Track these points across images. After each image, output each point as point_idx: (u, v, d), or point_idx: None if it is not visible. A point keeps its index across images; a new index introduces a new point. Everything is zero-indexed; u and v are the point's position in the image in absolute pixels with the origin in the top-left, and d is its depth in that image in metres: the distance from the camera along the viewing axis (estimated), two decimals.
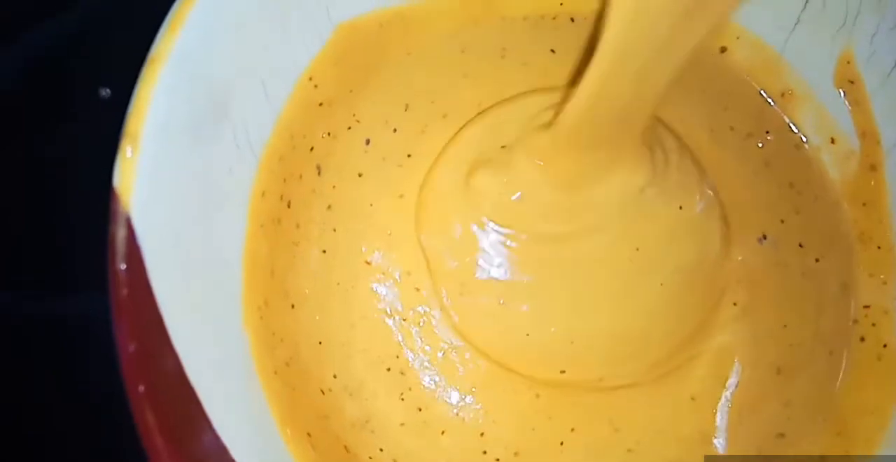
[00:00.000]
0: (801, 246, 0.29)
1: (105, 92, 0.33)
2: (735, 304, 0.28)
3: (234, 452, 0.21)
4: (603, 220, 0.27)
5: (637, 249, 0.27)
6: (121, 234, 0.20)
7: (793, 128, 0.30)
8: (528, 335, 0.27)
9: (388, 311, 0.28)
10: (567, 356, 0.27)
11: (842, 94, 0.29)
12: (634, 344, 0.28)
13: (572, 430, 0.28)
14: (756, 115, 0.30)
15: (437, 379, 0.28)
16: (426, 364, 0.28)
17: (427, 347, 0.28)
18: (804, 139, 0.30)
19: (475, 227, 0.27)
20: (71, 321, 0.31)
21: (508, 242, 0.27)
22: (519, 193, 0.27)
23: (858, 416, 0.27)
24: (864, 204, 0.29)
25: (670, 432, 0.28)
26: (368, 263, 0.28)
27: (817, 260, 0.29)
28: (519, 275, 0.27)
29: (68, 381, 0.31)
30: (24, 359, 0.31)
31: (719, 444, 0.27)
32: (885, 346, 0.28)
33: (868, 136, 0.29)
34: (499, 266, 0.27)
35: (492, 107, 0.29)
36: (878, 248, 0.29)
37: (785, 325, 0.28)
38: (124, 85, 0.21)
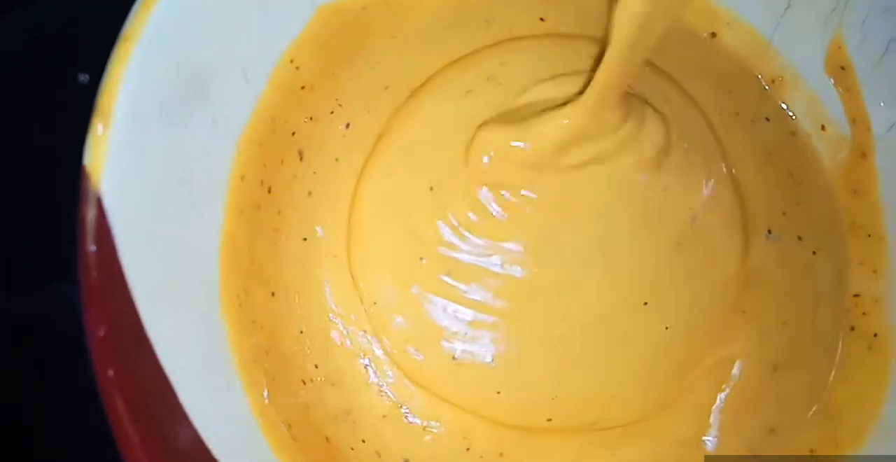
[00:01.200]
0: (800, 239, 0.28)
1: (84, 77, 0.32)
2: (744, 311, 0.28)
3: (208, 441, 0.20)
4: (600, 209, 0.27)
5: (636, 281, 0.27)
6: (91, 214, 0.19)
7: (790, 114, 0.30)
8: (498, 393, 0.27)
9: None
10: (552, 407, 0.27)
11: (832, 80, 0.29)
12: (635, 387, 0.27)
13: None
14: (756, 100, 0.30)
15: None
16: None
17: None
18: (799, 126, 0.30)
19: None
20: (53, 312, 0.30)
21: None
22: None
23: (848, 407, 0.27)
24: (854, 191, 0.29)
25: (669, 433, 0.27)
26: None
27: (814, 253, 0.28)
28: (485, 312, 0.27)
29: (48, 375, 0.30)
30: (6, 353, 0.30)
31: (710, 442, 0.27)
32: (875, 335, 0.27)
33: (859, 122, 0.28)
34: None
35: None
36: (869, 236, 0.28)
37: (784, 323, 0.28)
38: (103, 70, 0.21)
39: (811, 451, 0.27)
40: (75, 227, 0.19)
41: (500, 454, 0.27)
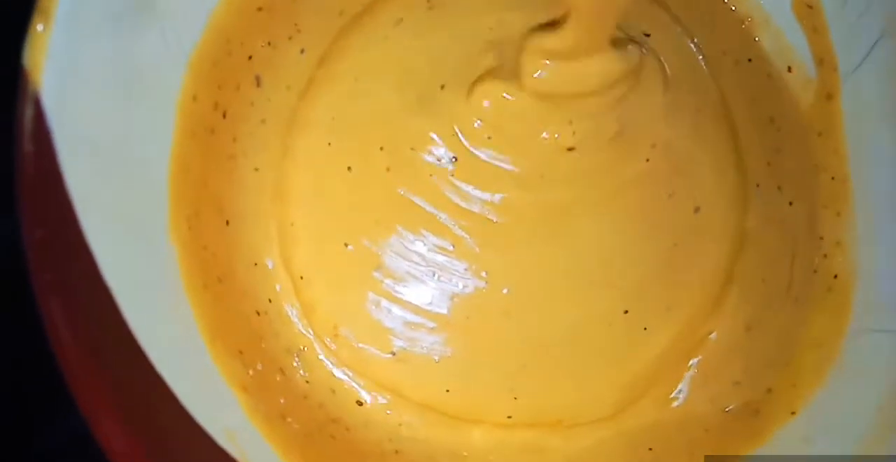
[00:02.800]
0: (779, 189, 0.28)
1: None
2: (731, 282, 0.28)
3: (152, 356, 0.20)
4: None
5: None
6: (28, 113, 0.18)
7: (770, 55, 0.29)
8: (448, 391, 0.26)
9: None
10: (512, 407, 0.26)
11: (799, 20, 0.28)
12: (606, 386, 0.27)
13: None
14: (738, 40, 0.29)
15: None
16: None
17: None
18: (774, 68, 0.29)
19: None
20: None
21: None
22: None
23: (807, 349, 0.27)
24: (819, 134, 0.28)
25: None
26: None
27: (791, 203, 0.28)
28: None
29: None
30: None
31: (676, 402, 0.27)
32: (835, 276, 0.27)
33: (826, 63, 0.28)
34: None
35: None
36: (833, 179, 0.28)
37: (763, 280, 0.28)
38: None
39: (768, 390, 0.26)
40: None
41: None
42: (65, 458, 0.28)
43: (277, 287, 0.27)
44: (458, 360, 0.26)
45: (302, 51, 0.28)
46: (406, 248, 0.26)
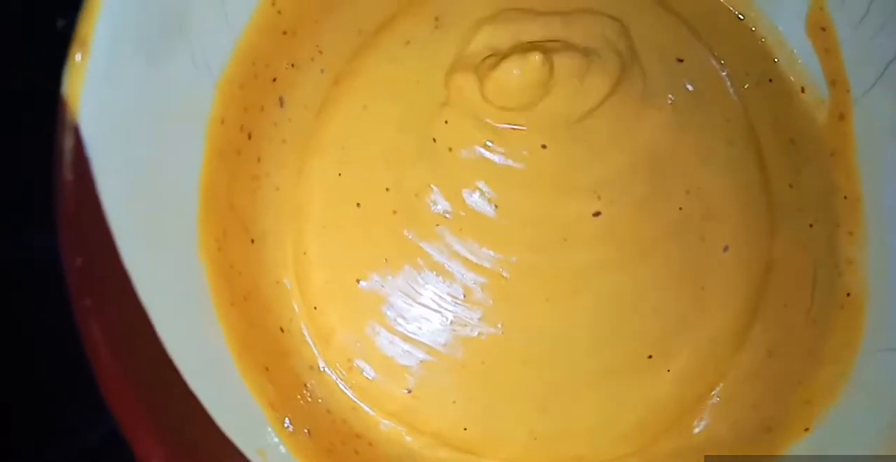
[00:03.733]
0: (801, 211, 0.28)
1: (61, 22, 0.31)
2: (755, 312, 0.28)
3: (185, 375, 0.20)
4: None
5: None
6: (68, 143, 0.19)
7: (798, 75, 0.29)
8: (465, 429, 0.27)
9: None
10: (532, 444, 0.27)
11: (813, 41, 0.28)
12: (628, 426, 0.27)
13: None
14: (759, 60, 0.29)
15: None
16: None
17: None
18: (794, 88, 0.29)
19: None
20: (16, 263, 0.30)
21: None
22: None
23: (821, 366, 0.27)
24: (832, 153, 0.29)
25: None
26: None
27: (811, 225, 0.28)
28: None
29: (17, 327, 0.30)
30: None
31: (697, 428, 0.27)
32: (848, 294, 0.27)
33: (838, 84, 0.28)
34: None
35: None
36: (845, 198, 0.28)
37: (786, 305, 0.28)
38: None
39: (784, 408, 0.27)
40: (39, 179, 0.19)
41: None
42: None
43: (295, 307, 0.27)
44: (475, 401, 0.27)
45: (322, 71, 0.28)
46: (415, 290, 0.27)
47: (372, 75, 0.28)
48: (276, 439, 0.24)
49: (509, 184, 0.27)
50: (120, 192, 0.20)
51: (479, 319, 0.27)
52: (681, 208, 0.27)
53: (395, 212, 0.27)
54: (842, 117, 0.28)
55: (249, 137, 0.26)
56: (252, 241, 0.27)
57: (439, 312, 0.27)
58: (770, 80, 0.29)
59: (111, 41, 0.20)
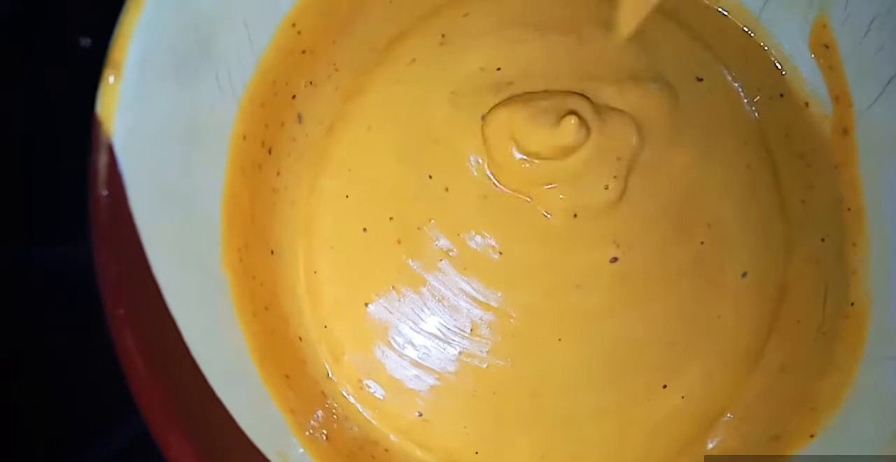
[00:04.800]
0: (813, 226, 0.28)
1: (86, 41, 0.32)
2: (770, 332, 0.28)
3: (213, 383, 0.21)
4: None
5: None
6: (103, 160, 0.20)
7: (803, 91, 0.29)
8: (477, 453, 0.27)
9: None
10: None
11: (817, 58, 0.29)
12: (641, 449, 0.27)
13: None
14: (768, 75, 0.29)
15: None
16: None
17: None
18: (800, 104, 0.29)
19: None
20: (50, 273, 0.31)
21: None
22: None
23: (826, 374, 0.27)
24: (835, 167, 0.29)
25: None
26: None
27: (823, 240, 0.28)
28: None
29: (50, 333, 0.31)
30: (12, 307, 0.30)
31: (711, 445, 0.28)
32: (851, 304, 0.28)
33: (841, 99, 0.29)
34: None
35: None
36: (849, 210, 0.29)
37: (798, 321, 0.28)
38: (105, 35, 0.21)
39: (791, 416, 0.27)
40: (64, 191, 0.20)
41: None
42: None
43: (309, 322, 0.28)
44: (486, 428, 0.27)
45: (336, 88, 0.29)
46: (422, 319, 0.27)
47: (377, 95, 0.29)
48: (296, 443, 0.25)
49: (513, 234, 0.27)
50: (150, 206, 0.21)
51: (488, 352, 0.27)
52: (702, 242, 0.27)
53: (399, 241, 0.27)
54: (845, 132, 0.29)
55: (270, 152, 0.27)
56: (272, 252, 0.27)
57: (447, 343, 0.27)
58: (781, 96, 0.29)
59: (142, 64, 0.21)
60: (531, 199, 0.27)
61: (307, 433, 0.25)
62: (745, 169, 0.28)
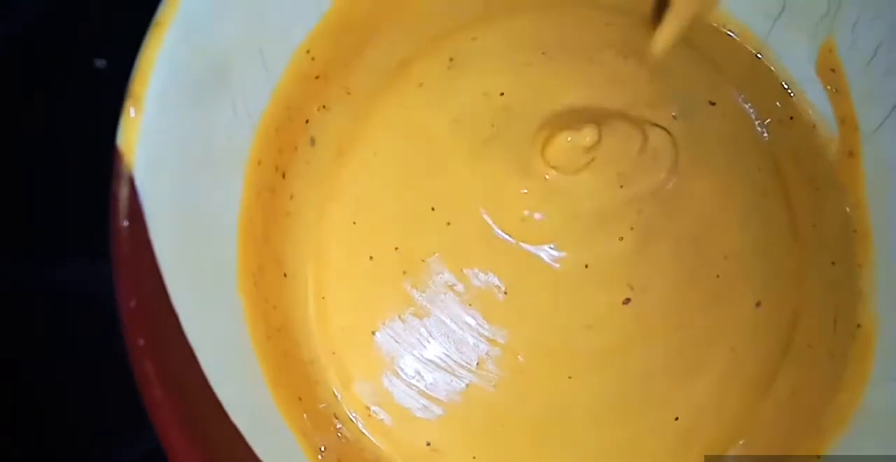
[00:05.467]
0: (824, 250, 0.28)
1: (100, 63, 0.33)
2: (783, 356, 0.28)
3: (228, 409, 0.22)
4: None
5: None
6: (123, 192, 0.20)
7: (809, 114, 0.29)
8: (474, 458, 0.27)
9: None
10: None
11: (823, 81, 0.29)
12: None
13: None
14: (778, 98, 0.30)
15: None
16: None
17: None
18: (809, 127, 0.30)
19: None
20: (67, 288, 0.31)
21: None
22: None
23: (833, 394, 0.27)
24: (842, 189, 0.29)
25: None
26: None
27: (833, 263, 0.28)
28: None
29: (66, 347, 0.31)
30: (22, 326, 0.31)
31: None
32: (858, 326, 0.28)
33: (847, 122, 0.29)
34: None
35: None
36: (854, 231, 0.29)
37: (809, 346, 0.28)
38: (119, 56, 0.22)
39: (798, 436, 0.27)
40: (77, 209, 0.20)
41: None
42: None
43: (318, 347, 0.28)
44: (497, 458, 0.27)
45: (348, 111, 0.29)
46: (429, 350, 0.27)
47: (383, 119, 0.29)
48: None
49: (518, 278, 0.27)
50: (169, 235, 0.21)
51: (495, 387, 0.27)
52: (718, 276, 0.27)
53: (404, 272, 0.27)
54: (851, 154, 0.29)
55: (284, 176, 0.28)
56: (285, 275, 0.28)
57: (454, 375, 0.27)
58: (791, 118, 0.30)
59: (162, 96, 0.21)
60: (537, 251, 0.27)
61: (319, 457, 0.25)
62: (762, 196, 0.28)
